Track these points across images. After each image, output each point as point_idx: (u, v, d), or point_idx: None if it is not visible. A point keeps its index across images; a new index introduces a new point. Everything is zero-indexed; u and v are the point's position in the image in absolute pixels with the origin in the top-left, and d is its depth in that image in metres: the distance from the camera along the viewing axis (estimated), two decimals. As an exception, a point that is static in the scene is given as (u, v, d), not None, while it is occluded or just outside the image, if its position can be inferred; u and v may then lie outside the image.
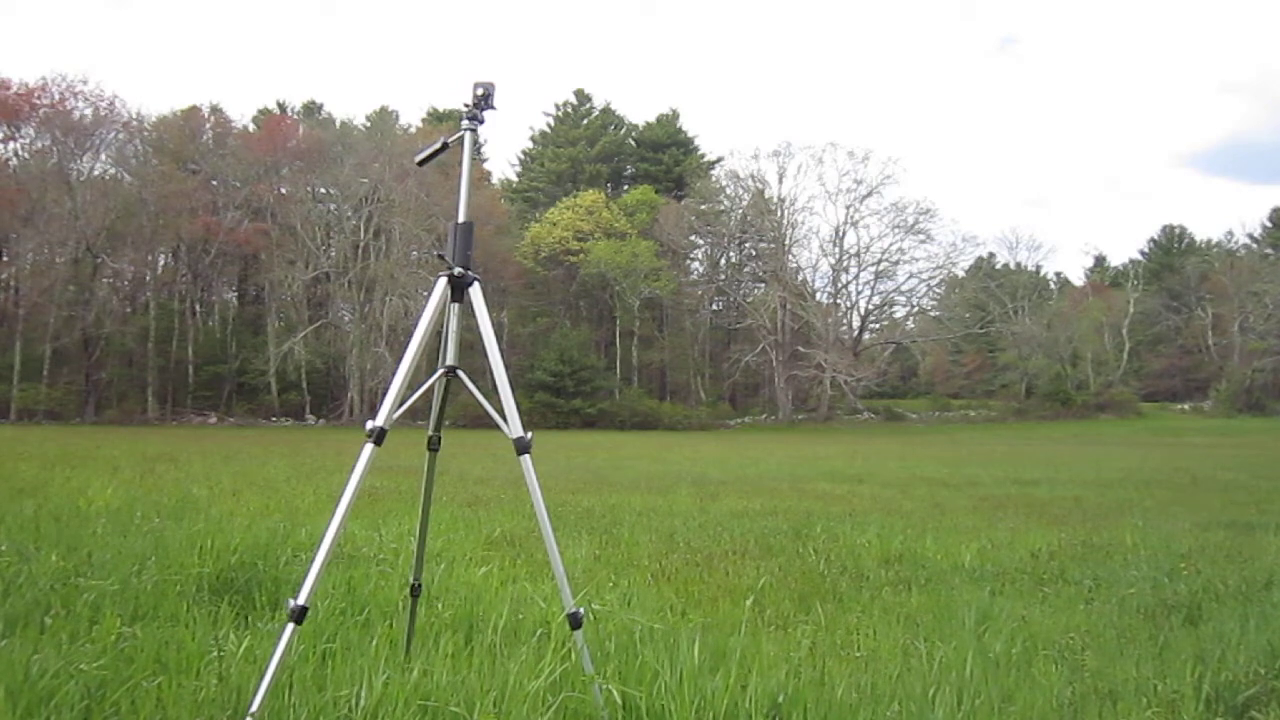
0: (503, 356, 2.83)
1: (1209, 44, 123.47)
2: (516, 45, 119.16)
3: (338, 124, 61.24)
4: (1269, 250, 73.17)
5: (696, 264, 70.73)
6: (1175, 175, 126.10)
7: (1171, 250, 78.34)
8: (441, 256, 2.88)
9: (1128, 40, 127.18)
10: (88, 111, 50.11)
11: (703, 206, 66.31)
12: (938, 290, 69.15)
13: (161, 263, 56.61)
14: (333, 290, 55.31)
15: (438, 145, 3.02)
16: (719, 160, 71.68)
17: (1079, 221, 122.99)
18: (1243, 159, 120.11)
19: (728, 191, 67.58)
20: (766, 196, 64.83)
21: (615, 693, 2.83)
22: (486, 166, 69.85)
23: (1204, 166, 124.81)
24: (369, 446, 2.65)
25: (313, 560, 2.56)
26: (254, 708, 2.46)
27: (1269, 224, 75.41)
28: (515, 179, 76.66)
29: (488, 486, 11.78)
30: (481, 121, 2.91)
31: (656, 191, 66.41)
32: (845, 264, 65.15)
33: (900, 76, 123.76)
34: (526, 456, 2.77)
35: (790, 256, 65.55)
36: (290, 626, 2.49)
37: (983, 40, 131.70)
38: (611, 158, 72.07)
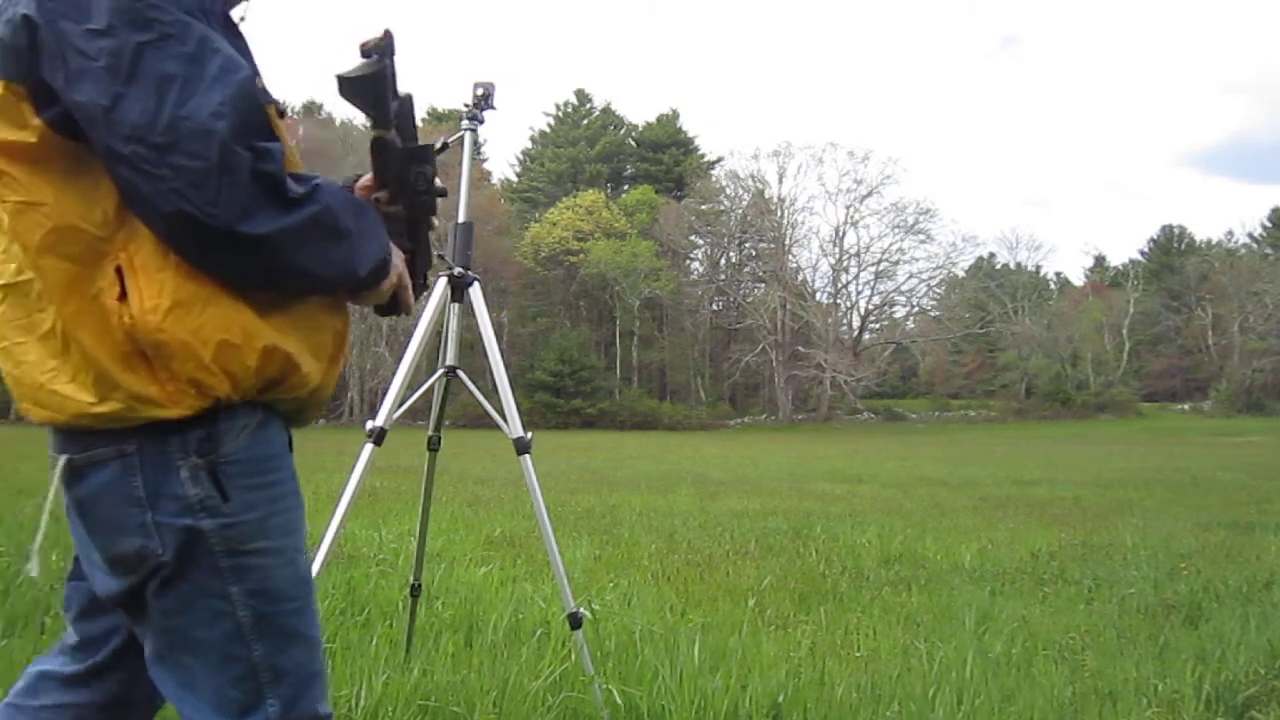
0: (503, 356, 2.83)
1: (1210, 44, 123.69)
2: (516, 45, 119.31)
3: (338, 124, 61.25)
4: (1269, 250, 73.10)
5: (696, 264, 70.75)
6: (1175, 175, 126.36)
7: (1171, 250, 78.27)
8: (441, 256, 2.88)
9: (1129, 40, 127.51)
10: (88, 111, 50.19)
11: (703, 206, 66.33)
12: (938, 290, 69.18)
13: (161, 262, 56.61)
14: (332, 290, 55.34)
15: (437, 145, 3.01)
16: (719, 160, 71.76)
17: (1079, 221, 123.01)
18: (1243, 159, 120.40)
19: (728, 191, 67.62)
20: (766, 196, 64.85)
21: (615, 693, 2.83)
22: (486, 166, 69.91)
23: (1204, 166, 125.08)
24: (369, 446, 2.65)
25: (312, 560, 2.56)
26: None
27: (1269, 224, 75.41)
28: (515, 179, 76.66)
29: (488, 486, 11.77)
30: (481, 121, 2.91)
31: (656, 191, 66.41)
32: (845, 264, 65.19)
33: (901, 76, 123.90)
34: (526, 456, 2.77)
35: (790, 256, 65.60)
36: (290, 626, 2.49)
37: (984, 39, 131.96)
38: (611, 158, 72.08)
